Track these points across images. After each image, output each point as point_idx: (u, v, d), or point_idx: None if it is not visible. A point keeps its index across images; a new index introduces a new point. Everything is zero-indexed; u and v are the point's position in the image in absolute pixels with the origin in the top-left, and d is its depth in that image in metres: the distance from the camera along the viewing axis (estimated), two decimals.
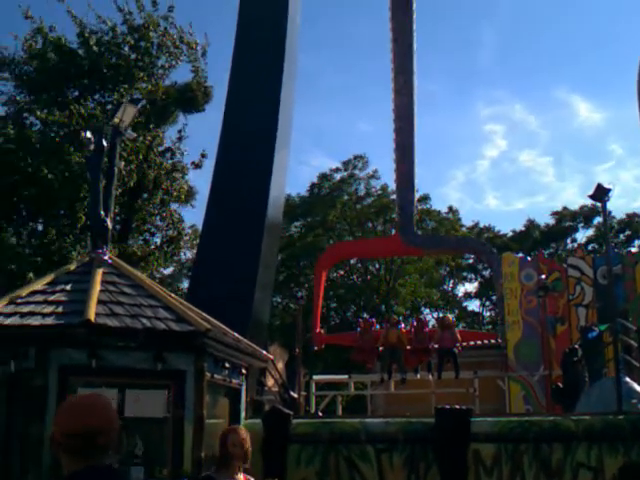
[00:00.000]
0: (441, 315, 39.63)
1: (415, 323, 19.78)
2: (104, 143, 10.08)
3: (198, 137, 61.35)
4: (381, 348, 19.15)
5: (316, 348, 22.30)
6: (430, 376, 19.21)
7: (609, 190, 11.64)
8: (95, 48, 25.19)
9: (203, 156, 27.42)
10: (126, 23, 25.97)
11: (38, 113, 23.24)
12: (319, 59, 74.53)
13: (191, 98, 26.94)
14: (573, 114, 76.31)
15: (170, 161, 26.79)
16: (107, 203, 10.00)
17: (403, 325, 19.88)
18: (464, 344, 19.31)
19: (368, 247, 27.30)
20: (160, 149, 26.40)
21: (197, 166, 27.55)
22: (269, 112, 18.93)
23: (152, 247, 27.11)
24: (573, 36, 75.58)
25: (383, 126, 72.33)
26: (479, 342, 23.90)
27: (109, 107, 24.10)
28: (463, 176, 76.17)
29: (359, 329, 20.11)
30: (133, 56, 25.95)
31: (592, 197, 11.96)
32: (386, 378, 19.50)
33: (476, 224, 50.96)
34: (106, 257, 9.36)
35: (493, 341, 23.22)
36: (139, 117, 21.47)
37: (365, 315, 40.54)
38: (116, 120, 10.53)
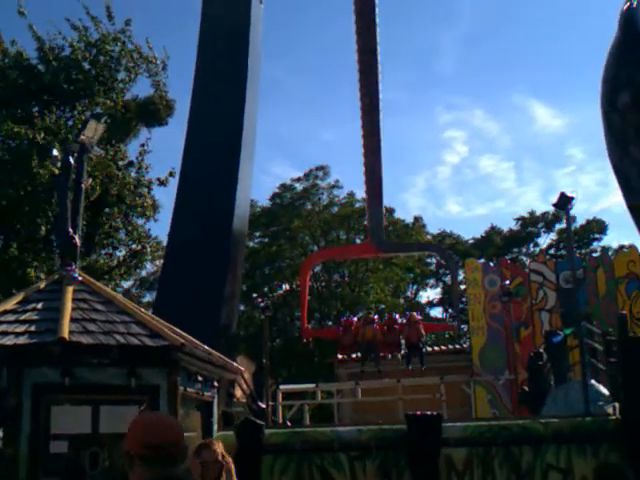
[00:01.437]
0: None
1: (387, 319, 21.99)
2: (71, 161, 10.10)
3: (162, 151, 60.97)
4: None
5: (305, 341, 24.85)
6: (397, 381, 19.88)
7: (572, 198, 11.88)
8: (54, 63, 25.00)
9: (171, 174, 26.45)
10: (82, 40, 25.80)
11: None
12: (283, 66, 74.54)
13: (153, 112, 26.75)
14: (532, 119, 77.22)
15: (135, 175, 26.57)
16: (75, 220, 10.00)
17: (377, 320, 21.87)
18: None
19: (345, 252, 30.69)
20: (123, 163, 26.19)
21: (162, 183, 26.94)
22: (233, 124, 19.04)
23: (115, 261, 26.85)
24: (531, 41, 76.30)
25: (346, 134, 72.15)
26: (444, 347, 24.70)
27: (70, 122, 23.92)
28: (424, 182, 76.41)
29: (341, 328, 21.82)
30: (93, 71, 25.78)
31: (556, 205, 12.18)
32: (365, 369, 21.04)
33: (442, 232, 51.28)
34: (76, 274, 9.37)
35: (458, 346, 23.68)
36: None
37: (329, 323, 40.76)
38: (82, 137, 10.53)
